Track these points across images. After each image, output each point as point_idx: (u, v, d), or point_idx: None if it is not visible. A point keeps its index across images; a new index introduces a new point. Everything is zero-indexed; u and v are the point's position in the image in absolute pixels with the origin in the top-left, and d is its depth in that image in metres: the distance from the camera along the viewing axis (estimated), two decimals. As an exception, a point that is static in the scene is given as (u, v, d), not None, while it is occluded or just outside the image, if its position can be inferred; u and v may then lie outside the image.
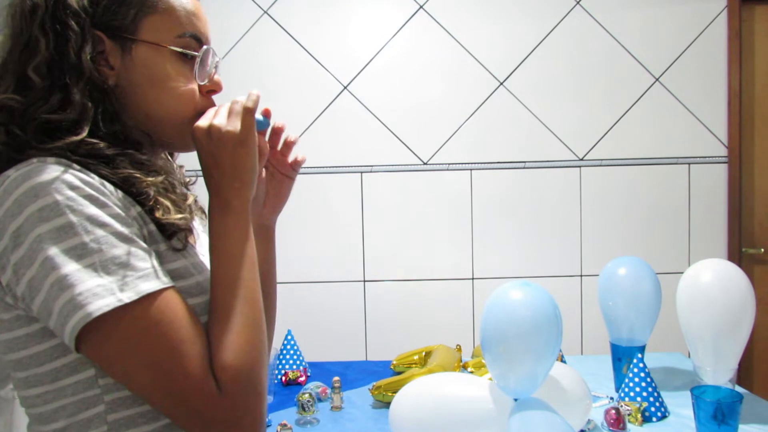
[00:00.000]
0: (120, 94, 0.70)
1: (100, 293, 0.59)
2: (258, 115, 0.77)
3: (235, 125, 0.70)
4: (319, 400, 1.51)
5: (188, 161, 0.87)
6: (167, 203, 0.69)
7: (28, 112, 0.66)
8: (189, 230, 0.71)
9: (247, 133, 0.71)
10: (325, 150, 2.67)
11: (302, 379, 1.69)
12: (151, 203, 0.67)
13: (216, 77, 0.78)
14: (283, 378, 1.69)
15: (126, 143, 0.70)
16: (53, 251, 0.59)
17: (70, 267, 0.59)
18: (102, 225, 0.61)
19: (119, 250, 0.61)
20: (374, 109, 2.68)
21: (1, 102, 0.66)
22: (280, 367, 1.73)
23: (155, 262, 0.64)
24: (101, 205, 0.62)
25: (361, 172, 2.69)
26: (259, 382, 0.67)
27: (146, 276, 0.62)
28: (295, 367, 1.73)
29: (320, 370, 1.79)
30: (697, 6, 2.63)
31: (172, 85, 0.72)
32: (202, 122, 0.71)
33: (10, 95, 0.66)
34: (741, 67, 2.64)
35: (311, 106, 2.68)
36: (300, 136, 2.70)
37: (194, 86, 0.74)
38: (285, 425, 1.32)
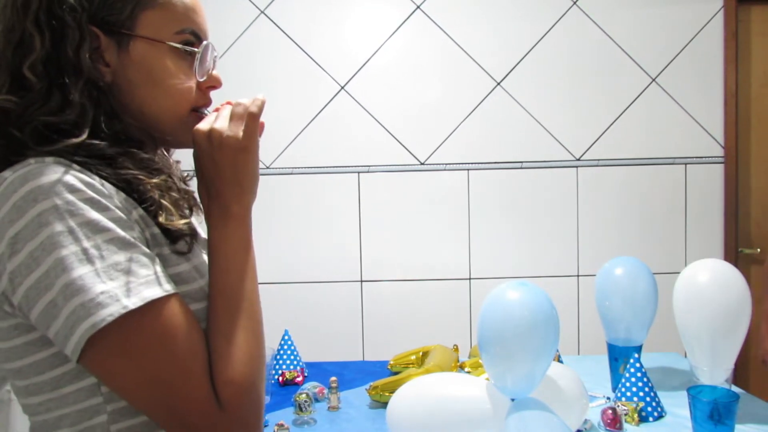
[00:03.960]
0: (116, 92, 0.68)
1: (104, 301, 0.56)
2: None
3: (237, 131, 0.68)
4: (317, 400, 1.50)
5: (183, 157, 0.86)
6: (171, 206, 0.67)
7: (26, 114, 0.63)
8: (194, 234, 0.69)
9: (250, 138, 0.69)
10: (322, 150, 2.67)
11: (299, 379, 1.69)
12: (154, 207, 0.65)
13: (215, 73, 0.75)
14: (280, 378, 1.69)
15: (128, 142, 0.68)
16: (53, 258, 0.57)
17: (72, 274, 0.56)
18: (102, 230, 0.59)
19: (121, 256, 0.59)
20: (371, 109, 2.68)
21: None
22: (277, 367, 1.73)
23: (158, 268, 0.62)
24: (102, 209, 0.60)
25: (359, 173, 2.69)
26: (259, 396, 0.66)
27: (149, 282, 0.60)
28: (292, 367, 1.73)
29: (317, 370, 1.79)
30: (694, 6, 2.64)
31: (169, 81, 0.70)
32: (203, 125, 0.69)
33: (6, 96, 0.63)
34: (737, 68, 2.65)
35: (308, 106, 2.68)
36: (297, 136, 2.71)
37: (192, 83, 0.72)
38: (282, 425, 1.32)
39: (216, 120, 0.69)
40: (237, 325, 0.65)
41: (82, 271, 0.57)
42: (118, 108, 0.68)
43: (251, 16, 2.66)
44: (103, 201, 0.60)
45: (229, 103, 0.72)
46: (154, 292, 0.59)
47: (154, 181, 0.67)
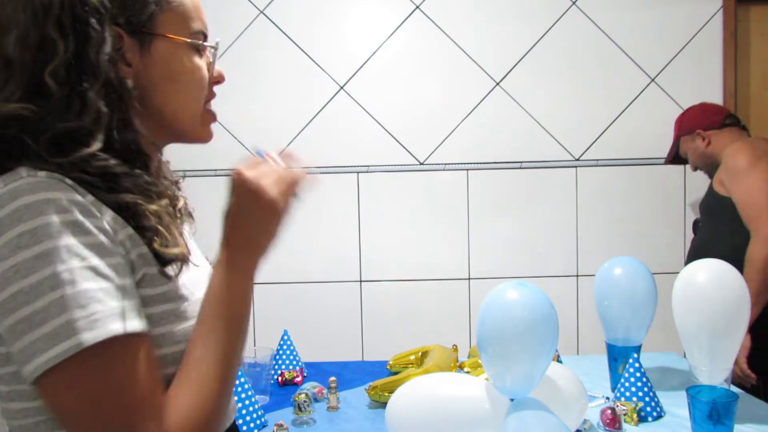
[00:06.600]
0: (137, 92, 0.68)
1: (62, 333, 0.56)
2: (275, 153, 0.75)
3: (281, 198, 0.69)
4: (316, 400, 1.50)
5: (172, 158, 0.85)
6: (167, 234, 0.66)
7: (45, 122, 0.61)
8: (185, 261, 0.69)
9: (286, 206, 0.71)
10: (321, 150, 2.67)
11: (299, 379, 1.69)
12: (150, 233, 0.65)
13: (219, 69, 0.79)
14: (280, 378, 1.69)
15: (137, 154, 0.67)
16: (26, 282, 0.56)
17: (37, 303, 0.56)
18: (77, 256, 0.58)
19: (91, 284, 0.58)
20: (371, 109, 2.68)
21: (14, 112, 0.61)
22: (276, 367, 1.73)
23: (127, 303, 0.60)
24: (84, 233, 0.59)
25: (358, 173, 2.69)
26: None
27: (113, 316, 0.58)
28: (291, 367, 1.73)
29: (317, 371, 1.79)
30: (693, 6, 2.64)
31: (188, 78, 0.73)
32: (250, 173, 0.68)
33: (23, 105, 0.61)
34: (736, 68, 2.65)
35: (307, 106, 2.68)
36: (296, 136, 2.71)
37: (206, 79, 0.76)
38: (281, 425, 1.32)
39: (264, 176, 0.68)
40: (206, 376, 0.64)
41: (48, 299, 0.56)
42: (133, 113, 0.67)
43: (250, 16, 2.66)
44: (86, 224, 0.59)
45: (270, 156, 0.72)
46: (116, 327, 0.58)
47: (153, 207, 0.66)
